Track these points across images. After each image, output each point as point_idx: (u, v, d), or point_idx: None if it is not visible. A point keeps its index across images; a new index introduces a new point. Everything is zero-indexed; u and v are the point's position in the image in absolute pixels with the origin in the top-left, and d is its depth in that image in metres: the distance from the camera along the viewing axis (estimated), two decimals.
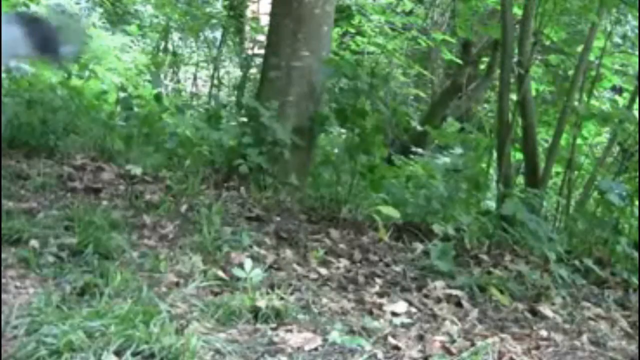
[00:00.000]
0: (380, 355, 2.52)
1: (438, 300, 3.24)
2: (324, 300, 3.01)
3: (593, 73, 5.87)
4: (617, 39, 7.41)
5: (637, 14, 5.86)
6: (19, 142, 4.52)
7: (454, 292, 3.34)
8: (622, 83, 7.36)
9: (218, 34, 10.54)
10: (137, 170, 4.22)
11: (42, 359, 2.18)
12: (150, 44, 11.87)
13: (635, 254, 4.25)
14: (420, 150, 8.07)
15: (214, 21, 9.92)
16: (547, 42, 6.60)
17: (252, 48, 9.17)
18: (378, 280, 3.40)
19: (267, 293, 2.89)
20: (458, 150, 6.36)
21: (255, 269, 3.04)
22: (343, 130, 5.16)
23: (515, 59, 5.04)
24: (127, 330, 2.30)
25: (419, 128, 6.85)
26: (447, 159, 6.39)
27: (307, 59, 4.64)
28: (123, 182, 4.13)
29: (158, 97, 5.05)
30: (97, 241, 3.11)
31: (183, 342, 2.29)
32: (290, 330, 2.62)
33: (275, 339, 2.53)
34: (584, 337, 3.07)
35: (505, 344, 2.71)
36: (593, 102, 6.46)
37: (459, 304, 3.25)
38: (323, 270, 3.40)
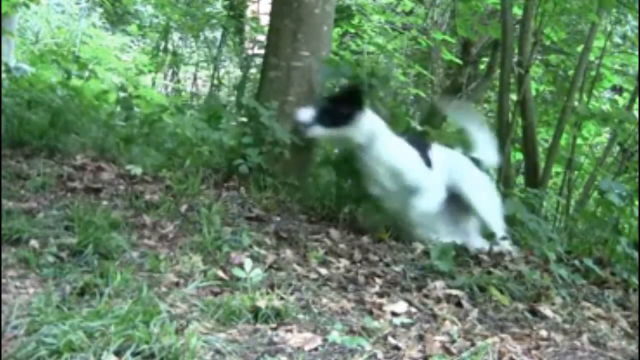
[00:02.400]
0: (380, 355, 2.51)
1: (438, 300, 3.23)
2: (324, 300, 3.01)
3: (593, 73, 5.88)
4: (617, 39, 7.42)
5: (637, 14, 5.86)
6: (19, 142, 4.52)
7: (454, 292, 3.34)
8: (622, 83, 7.37)
9: (218, 34, 10.56)
10: (137, 170, 4.22)
11: (42, 359, 2.18)
12: (150, 44, 11.89)
13: (635, 254, 4.25)
14: None
15: (214, 21, 9.93)
16: (547, 42, 6.61)
17: (252, 48, 9.18)
18: (378, 280, 3.39)
19: (267, 293, 2.89)
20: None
21: (255, 269, 3.04)
22: None
23: (515, 59, 5.05)
24: (127, 330, 2.29)
25: (419, 128, 6.82)
26: None
27: (307, 59, 4.63)
28: (123, 182, 4.13)
29: None
30: (97, 241, 3.11)
31: (183, 342, 2.29)
32: (290, 330, 2.62)
33: (275, 339, 2.53)
34: (584, 337, 3.07)
35: (505, 344, 2.71)
36: (593, 102, 6.47)
37: (459, 304, 3.24)
38: (323, 270, 3.39)
